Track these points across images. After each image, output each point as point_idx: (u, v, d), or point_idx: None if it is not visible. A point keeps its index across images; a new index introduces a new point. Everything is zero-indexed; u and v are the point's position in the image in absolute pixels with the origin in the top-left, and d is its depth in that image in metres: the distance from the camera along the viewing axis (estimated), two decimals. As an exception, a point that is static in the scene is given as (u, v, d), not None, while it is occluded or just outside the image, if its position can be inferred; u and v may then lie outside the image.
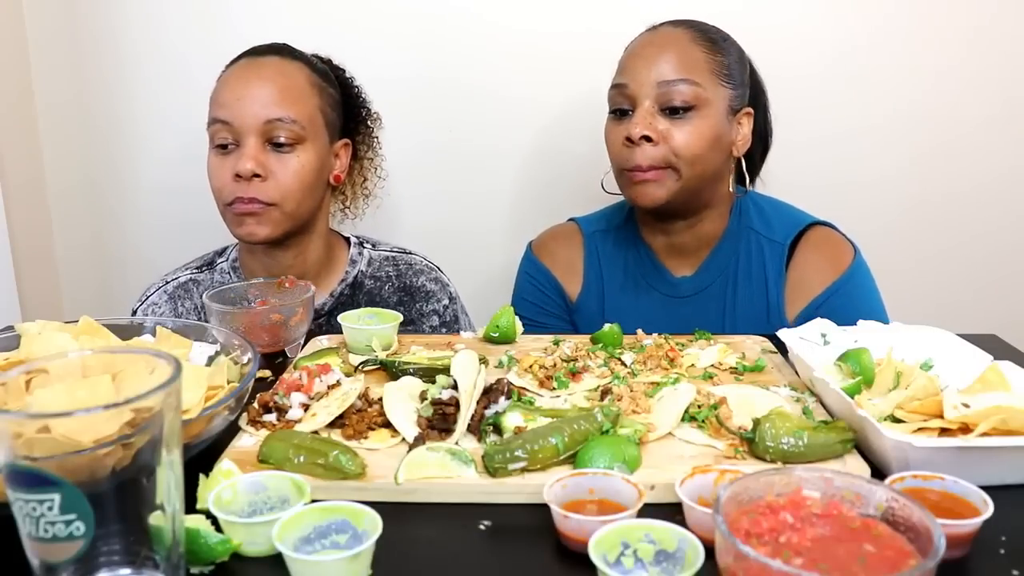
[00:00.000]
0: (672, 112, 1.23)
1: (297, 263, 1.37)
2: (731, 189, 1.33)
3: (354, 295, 1.41)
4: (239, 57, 1.33)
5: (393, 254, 1.47)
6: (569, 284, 1.42)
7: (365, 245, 1.46)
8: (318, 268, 1.40)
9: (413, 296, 1.42)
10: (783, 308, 1.31)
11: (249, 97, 1.25)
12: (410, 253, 1.48)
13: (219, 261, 1.43)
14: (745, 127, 1.31)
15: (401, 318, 1.13)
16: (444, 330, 1.42)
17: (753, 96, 1.34)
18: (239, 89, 1.27)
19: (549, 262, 1.43)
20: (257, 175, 1.24)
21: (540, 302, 1.43)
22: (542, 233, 1.49)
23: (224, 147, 1.27)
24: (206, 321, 1.31)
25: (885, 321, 1.27)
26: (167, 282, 1.40)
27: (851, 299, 1.28)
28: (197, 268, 1.42)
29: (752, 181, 1.44)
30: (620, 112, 1.28)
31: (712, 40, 1.27)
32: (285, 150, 1.27)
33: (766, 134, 1.41)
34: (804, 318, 1.20)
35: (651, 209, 1.29)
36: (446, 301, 1.44)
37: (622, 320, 1.34)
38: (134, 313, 1.39)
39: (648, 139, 1.23)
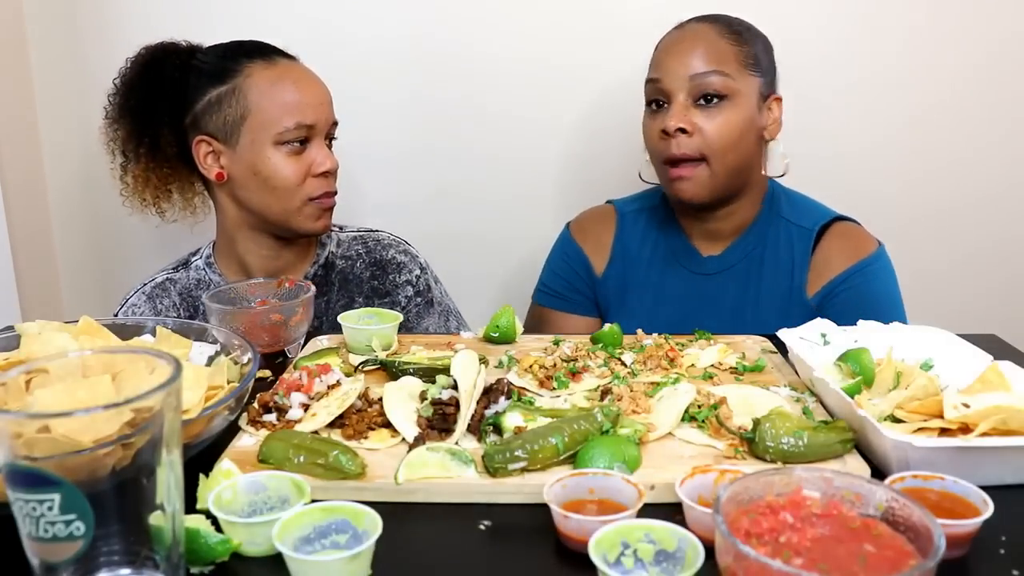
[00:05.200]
0: (705, 103, 1.28)
1: (272, 255, 1.40)
2: (764, 173, 1.37)
3: (327, 275, 1.45)
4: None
5: (360, 233, 1.51)
6: (596, 259, 1.48)
7: (332, 228, 1.48)
8: (291, 257, 1.43)
9: (385, 269, 1.46)
10: (804, 289, 1.34)
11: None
12: (377, 231, 1.52)
13: (193, 259, 1.47)
14: (776, 111, 1.35)
15: (401, 318, 1.13)
16: (419, 299, 1.45)
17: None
18: None
19: (581, 240, 1.50)
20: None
21: (568, 277, 1.50)
22: (580, 214, 1.55)
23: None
24: (182, 317, 1.32)
25: (902, 314, 1.29)
26: (144, 284, 1.45)
27: (870, 282, 1.31)
28: (173, 269, 1.47)
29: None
30: (656, 104, 1.33)
31: (737, 32, 1.31)
32: None
33: None
34: (823, 296, 1.22)
35: (693, 205, 1.33)
36: (417, 271, 1.47)
37: (645, 294, 1.38)
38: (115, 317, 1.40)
39: (684, 131, 1.28)
